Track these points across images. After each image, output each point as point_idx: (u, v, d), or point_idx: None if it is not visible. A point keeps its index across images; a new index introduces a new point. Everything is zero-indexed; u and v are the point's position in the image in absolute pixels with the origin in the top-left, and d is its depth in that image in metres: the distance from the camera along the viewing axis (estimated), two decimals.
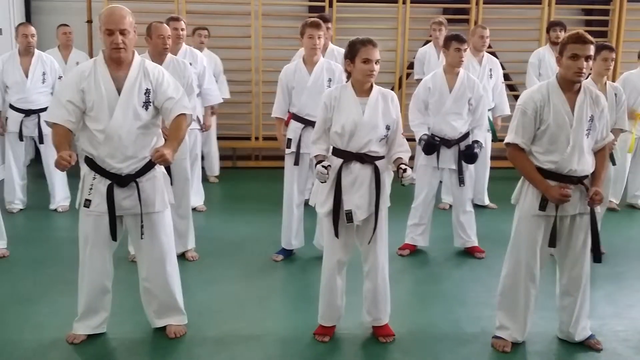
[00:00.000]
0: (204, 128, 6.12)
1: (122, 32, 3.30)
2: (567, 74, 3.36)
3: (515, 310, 3.62)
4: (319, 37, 4.63)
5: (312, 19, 4.75)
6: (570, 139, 3.36)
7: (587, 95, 3.43)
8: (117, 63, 3.37)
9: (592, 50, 3.33)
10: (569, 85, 3.39)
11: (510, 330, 3.64)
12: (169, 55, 4.76)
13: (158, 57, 4.63)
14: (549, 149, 3.40)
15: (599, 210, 3.62)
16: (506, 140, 3.50)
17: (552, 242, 3.48)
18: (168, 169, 4.14)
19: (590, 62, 3.38)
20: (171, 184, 3.79)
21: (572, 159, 3.38)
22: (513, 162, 3.51)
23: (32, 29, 6.00)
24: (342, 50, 4.97)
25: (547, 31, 6.93)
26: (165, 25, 4.70)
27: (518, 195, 3.57)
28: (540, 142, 3.42)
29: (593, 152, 3.50)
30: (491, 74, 6.10)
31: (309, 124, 4.55)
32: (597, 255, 3.51)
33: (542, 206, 3.44)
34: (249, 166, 8.26)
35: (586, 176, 3.47)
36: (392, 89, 7.67)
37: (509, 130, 3.51)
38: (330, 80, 4.66)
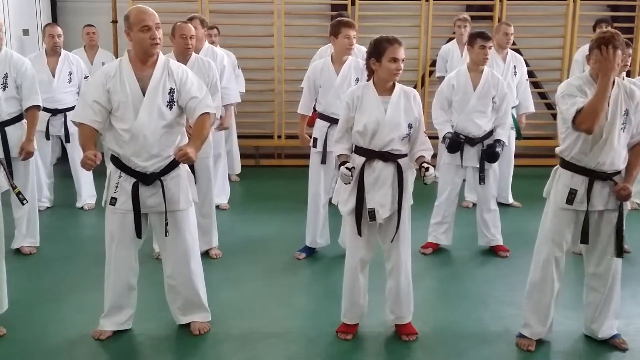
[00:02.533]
0: (220, 127, 5.96)
1: (157, 28, 3.37)
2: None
3: (540, 305, 3.62)
4: (354, 37, 4.65)
5: (346, 19, 4.77)
6: (604, 131, 3.34)
7: (621, 89, 3.42)
8: (144, 62, 3.41)
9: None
10: None
11: (535, 327, 3.64)
12: (194, 54, 4.80)
13: (182, 56, 4.66)
14: (583, 143, 3.38)
15: (629, 207, 3.58)
16: (571, 115, 3.30)
17: (584, 238, 3.47)
18: (192, 168, 4.19)
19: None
20: (194, 182, 3.82)
21: (604, 152, 3.37)
22: (587, 120, 3.24)
23: (59, 30, 6.08)
24: (362, 48, 5.01)
25: (594, 29, 6.80)
26: (188, 25, 4.70)
27: (549, 188, 3.58)
28: (575, 135, 3.39)
29: (628, 148, 3.47)
30: (515, 71, 6.04)
31: (335, 122, 4.52)
32: (619, 251, 3.49)
33: (570, 200, 3.44)
34: (271, 164, 8.28)
35: (617, 172, 3.45)
36: (415, 87, 7.67)
37: (564, 115, 3.35)
38: (357, 79, 4.65)
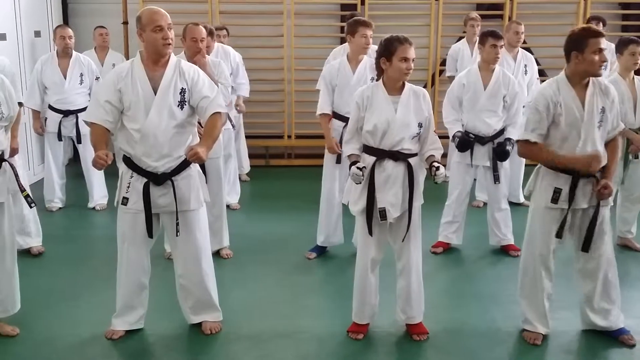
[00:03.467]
0: (239, 109, 6.54)
1: (169, 28, 3.39)
2: (591, 69, 3.36)
3: (535, 303, 3.63)
4: (370, 37, 4.66)
5: (363, 19, 4.78)
6: (581, 132, 3.36)
7: (596, 87, 3.43)
8: (156, 62, 3.43)
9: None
10: (579, 79, 3.40)
11: (535, 323, 3.65)
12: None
13: (193, 58, 4.67)
14: (561, 145, 3.41)
15: (610, 203, 3.57)
16: (518, 137, 3.52)
17: (559, 233, 3.49)
18: (203, 168, 4.21)
19: None
20: (205, 182, 3.83)
21: (585, 152, 3.37)
22: (528, 157, 3.54)
23: (70, 31, 6.11)
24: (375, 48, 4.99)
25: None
26: (200, 27, 4.68)
27: (532, 187, 3.60)
28: (553, 137, 3.42)
29: (605, 144, 3.49)
30: (526, 70, 6.02)
31: None
32: (586, 245, 3.50)
33: (554, 199, 3.45)
34: (281, 164, 8.29)
35: (600, 169, 3.45)
36: (425, 87, 7.66)
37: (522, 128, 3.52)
38: (373, 78, 4.65)
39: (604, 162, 3.45)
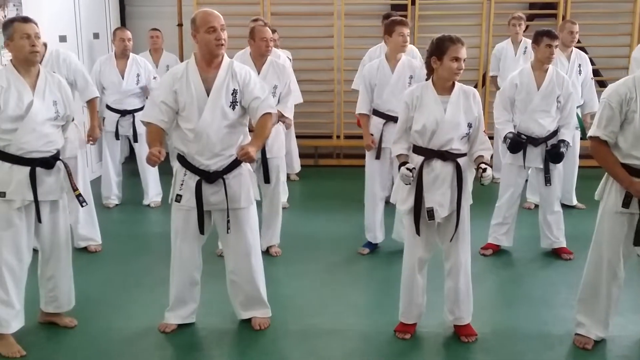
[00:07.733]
0: (288, 126, 5.73)
1: (222, 29, 3.48)
2: None
3: (595, 308, 3.56)
4: (407, 35, 4.70)
5: (400, 18, 4.82)
6: None
7: None
8: (209, 63, 3.52)
9: None
10: None
11: (590, 327, 3.58)
12: (269, 57, 4.83)
13: (260, 59, 4.74)
14: (634, 143, 3.31)
15: None
16: (589, 133, 3.44)
17: (637, 240, 3.38)
18: (265, 166, 4.33)
19: None
20: (268, 181, 3.91)
21: None
22: (595, 156, 3.44)
23: (129, 33, 6.29)
24: (413, 47, 5.02)
25: None
26: (267, 28, 4.77)
27: (602, 191, 3.50)
28: (625, 136, 3.33)
29: None
30: (580, 70, 5.90)
31: (390, 119, 4.67)
32: None
33: (626, 203, 3.36)
34: (330, 164, 8.33)
35: None
36: (475, 87, 7.58)
37: (592, 124, 3.45)
38: (411, 77, 4.71)
39: None
